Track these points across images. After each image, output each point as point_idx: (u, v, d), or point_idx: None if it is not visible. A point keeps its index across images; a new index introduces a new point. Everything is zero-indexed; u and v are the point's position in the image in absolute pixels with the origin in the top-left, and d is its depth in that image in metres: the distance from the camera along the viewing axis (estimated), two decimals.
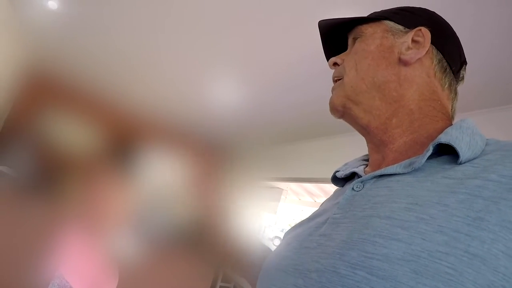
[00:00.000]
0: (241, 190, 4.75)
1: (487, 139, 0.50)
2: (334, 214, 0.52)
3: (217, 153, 4.90)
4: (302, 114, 3.06)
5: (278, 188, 5.14)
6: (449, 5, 1.34)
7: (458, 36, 0.62)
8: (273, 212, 5.31)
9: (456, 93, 0.61)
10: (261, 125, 3.75)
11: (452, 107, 0.60)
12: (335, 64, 0.67)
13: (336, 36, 0.71)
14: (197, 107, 3.57)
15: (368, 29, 0.63)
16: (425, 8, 0.63)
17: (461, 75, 0.62)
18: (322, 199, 4.47)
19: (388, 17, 0.62)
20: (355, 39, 0.65)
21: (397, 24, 0.60)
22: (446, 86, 0.58)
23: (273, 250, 0.64)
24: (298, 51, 2.06)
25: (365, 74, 0.59)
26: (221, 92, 3.07)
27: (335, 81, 0.66)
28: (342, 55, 0.66)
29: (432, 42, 0.58)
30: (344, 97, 0.61)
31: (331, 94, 0.65)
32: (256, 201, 5.13)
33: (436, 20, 0.62)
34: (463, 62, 0.62)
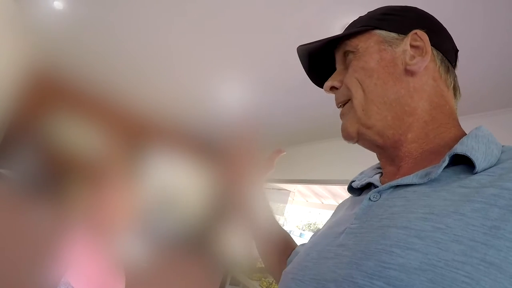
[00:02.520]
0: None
1: (502, 146, 0.49)
2: (351, 224, 0.52)
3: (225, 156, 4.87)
4: (310, 115, 3.05)
5: (285, 190, 5.13)
6: (459, 6, 1.30)
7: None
8: (281, 214, 5.30)
9: (459, 88, 0.59)
10: (269, 127, 3.73)
11: (456, 104, 0.59)
12: (332, 88, 0.63)
13: (320, 58, 0.67)
14: (206, 109, 3.57)
15: (359, 43, 0.58)
16: (408, 6, 0.59)
17: (456, 65, 0.60)
18: (330, 200, 4.45)
19: (376, 26, 0.58)
20: (346, 54, 0.61)
21: (389, 32, 0.56)
22: (452, 85, 0.57)
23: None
24: None
25: (374, 95, 0.56)
26: (230, 94, 3.06)
27: (339, 105, 0.63)
28: (337, 76, 0.62)
29: (430, 43, 0.55)
30: (357, 123, 0.58)
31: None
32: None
33: (425, 18, 0.58)
34: (456, 52, 0.60)
